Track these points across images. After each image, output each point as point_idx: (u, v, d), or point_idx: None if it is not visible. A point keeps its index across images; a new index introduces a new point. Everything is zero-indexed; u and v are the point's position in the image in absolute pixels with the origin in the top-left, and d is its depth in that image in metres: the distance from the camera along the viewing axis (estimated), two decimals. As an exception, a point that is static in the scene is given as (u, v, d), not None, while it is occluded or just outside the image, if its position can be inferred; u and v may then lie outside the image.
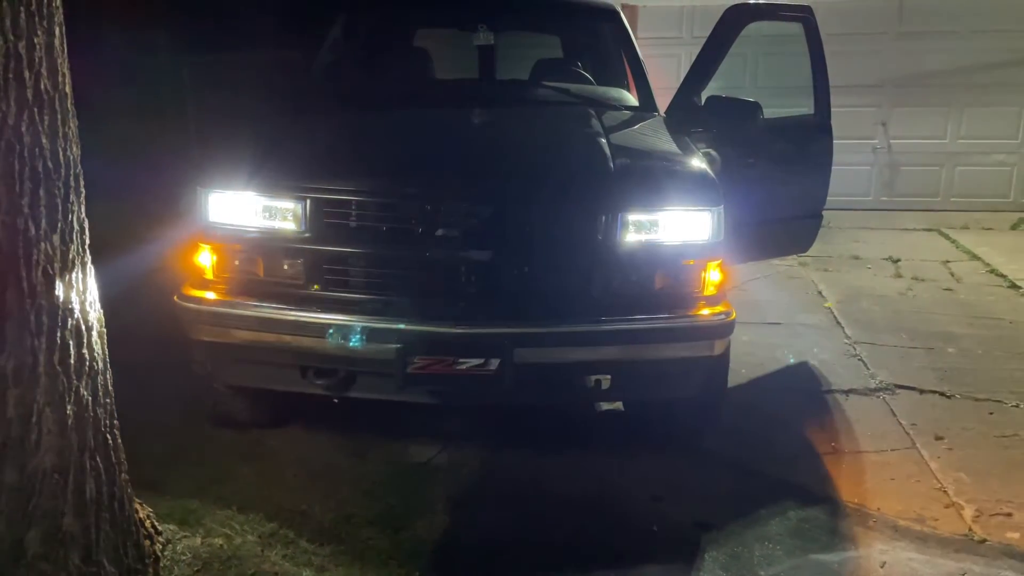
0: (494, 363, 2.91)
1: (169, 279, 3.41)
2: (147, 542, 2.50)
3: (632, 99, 4.30)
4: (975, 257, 6.80)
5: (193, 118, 7.72)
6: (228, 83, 7.01)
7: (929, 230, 7.75)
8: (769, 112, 4.13)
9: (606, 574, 2.75)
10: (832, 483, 3.32)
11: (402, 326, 2.94)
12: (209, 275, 3.13)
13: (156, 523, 2.67)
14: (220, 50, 7.49)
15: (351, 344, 2.99)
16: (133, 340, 3.93)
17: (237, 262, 3.10)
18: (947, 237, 7.48)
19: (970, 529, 3.02)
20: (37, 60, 1.88)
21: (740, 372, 4.29)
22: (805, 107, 4.32)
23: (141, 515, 2.57)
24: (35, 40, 1.87)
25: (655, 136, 3.75)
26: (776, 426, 3.79)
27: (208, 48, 7.54)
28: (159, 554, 2.56)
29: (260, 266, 3.07)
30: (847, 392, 4.18)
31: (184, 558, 2.64)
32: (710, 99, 3.96)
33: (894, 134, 8.31)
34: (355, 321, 2.96)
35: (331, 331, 2.98)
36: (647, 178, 3.18)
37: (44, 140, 1.93)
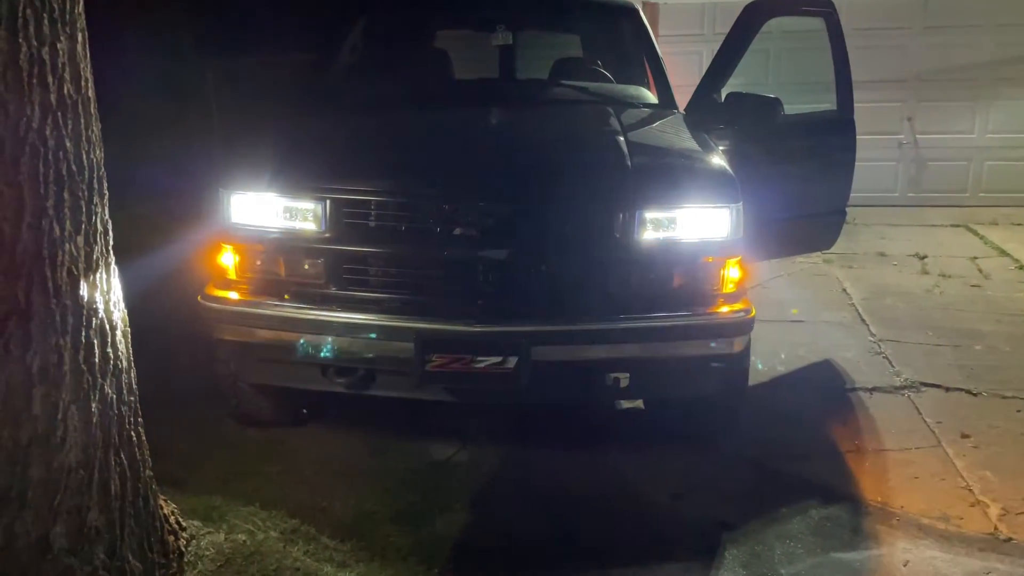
0: (512, 361, 2.92)
1: (194, 279, 3.46)
2: (171, 537, 2.54)
3: (651, 97, 4.29)
4: (1004, 253, 6.70)
5: (217, 120, 7.81)
6: (251, 85, 7.08)
7: (956, 226, 7.63)
8: (792, 109, 4.10)
9: (625, 572, 2.75)
10: (855, 481, 3.30)
11: (420, 325, 2.97)
12: (232, 275, 3.17)
13: (180, 519, 2.71)
14: (244, 53, 7.58)
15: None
16: (159, 339, 4.01)
17: (259, 262, 3.14)
18: (975, 233, 7.37)
19: (995, 528, 2.98)
20: (60, 65, 1.92)
21: (762, 370, 4.27)
22: (829, 103, 4.29)
23: (166, 511, 2.61)
24: (58, 46, 1.91)
25: (674, 133, 3.74)
26: (798, 424, 3.76)
27: (232, 51, 7.63)
28: (183, 549, 2.59)
29: (281, 266, 3.11)
30: (871, 390, 4.14)
31: (208, 553, 2.67)
32: (730, 96, 3.94)
33: (920, 129, 8.20)
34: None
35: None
36: (665, 175, 3.18)
37: (68, 144, 1.97)
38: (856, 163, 4.26)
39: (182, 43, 7.88)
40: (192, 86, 8.02)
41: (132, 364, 2.36)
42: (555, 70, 4.57)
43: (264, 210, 3.08)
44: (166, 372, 3.85)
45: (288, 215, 3.05)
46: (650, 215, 3.01)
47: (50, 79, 1.90)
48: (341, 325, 3.02)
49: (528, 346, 2.94)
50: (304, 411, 3.64)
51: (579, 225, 3.01)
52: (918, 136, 8.22)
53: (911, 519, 3.03)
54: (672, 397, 3.42)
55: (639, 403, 3.79)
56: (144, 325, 4.01)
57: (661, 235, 3.03)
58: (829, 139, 4.26)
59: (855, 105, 4.23)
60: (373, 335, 3.02)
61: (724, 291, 3.12)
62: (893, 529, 2.97)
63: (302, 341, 3.08)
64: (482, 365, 2.94)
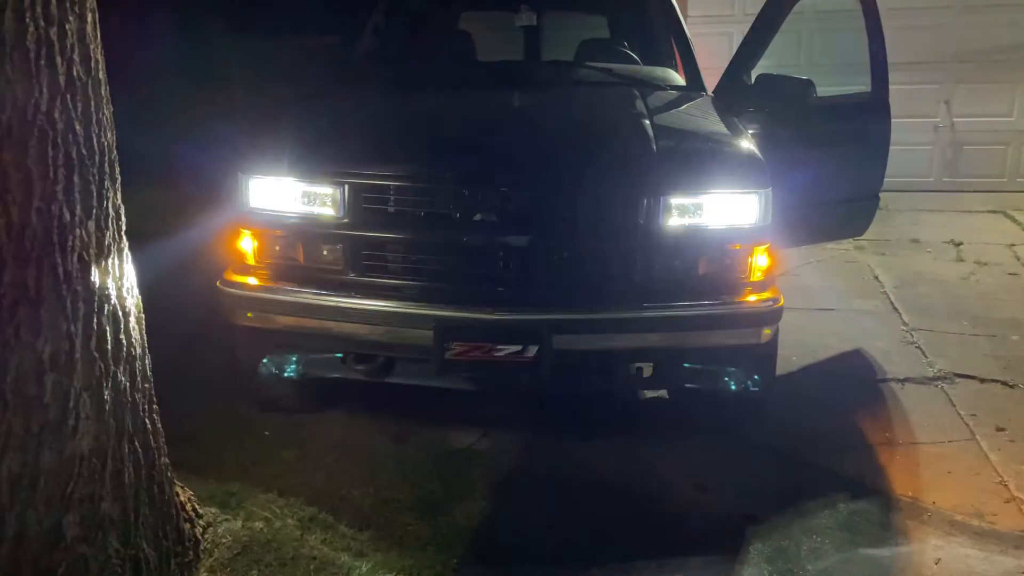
0: (532, 350, 2.87)
1: (218, 262, 3.44)
2: (188, 525, 2.53)
3: (679, 79, 4.19)
4: (1043, 240, 6.52)
5: (242, 103, 7.81)
6: (277, 68, 7.07)
7: (994, 212, 7.41)
8: (826, 91, 3.99)
9: (647, 564, 2.70)
10: (885, 475, 3.21)
11: (440, 312, 2.92)
12: (250, 261, 3.15)
13: (197, 506, 2.70)
14: (271, 35, 7.57)
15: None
16: (182, 322, 4.01)
17: (277, 248, 3.11)
18: (1013, 219, 7.15)
19: (1031, 525, 2.89)
20: (69, 46, 1.88)
21: (791, 359, 4.17)
22: (863, 85, 4.16)
23: (182, 498, 2.59)
24: (67, 26, 1.87)
25: (701, 116, 3.65)
26: (827, 415, 3.67)
27: (259, 33, 7.63)
28: (200, 537, 2.58)
29: (300, 252, 3.08)
30: (903, 381, 4.03)
31: (224, 541, 2.66)
32: (760, 77, 3.84)
33: (957, 112, 7.97)
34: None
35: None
36: (691, 160, 3.10)
37: (77, 127, 1.93)
38: (890, 147, 4.13)
39: (211, 24, 7.89)
40: (220, 68, 8.04)
41: (147, 351, 2.34)
42: (580, 51, 4.49)
43: (282, 195, 3.04)
44: (189, 357, 3.85)
45: (306, 200, 3.02)
46: (675, 201, 2.93)
47: (58, 60, 1.86)
48: (360, 312, 2.98)
49: (549, 334, 2.88)
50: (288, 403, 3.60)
51: (602, 211, 2.94)
52: (955, 119, 8.00)
53: (943, 515, 2.94)
54: (697, 387, 3.34)
55: (664, 392, 3.72)
56: (167, 309, 4.00)
57: (687, 221, 2.95)
58: (863, 122, 4.13)
59: (890, 87, 4.10)
60: (392, 323, 2.98)
61: (752, 279, 3.04)
62: (924, 525, 2.89)
63: (321, 328, 3.05)
64: (502, 353, 2.89)
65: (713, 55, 4.82)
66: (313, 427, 3.51)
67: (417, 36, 4.65)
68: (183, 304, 4.15)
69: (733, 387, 3.25)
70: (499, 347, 2.89)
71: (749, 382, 3.22)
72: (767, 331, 3.07)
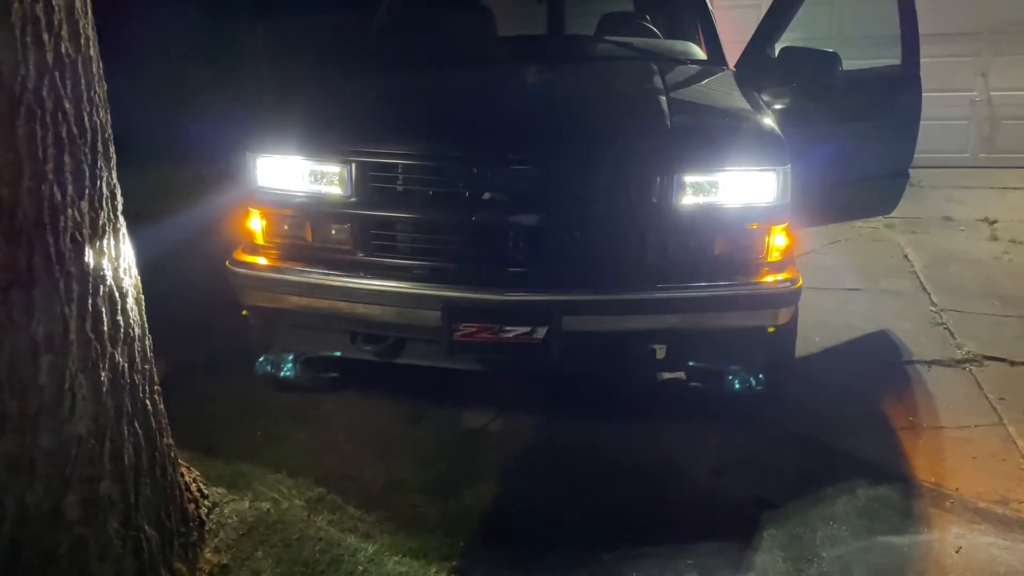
0: (541, 331, 2.82)
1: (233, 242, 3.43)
2: (192, 506, 2.52)
3: (700, 52, 4.09)
4: (1082, 218, 6.29)
5: (267, 82, 7.80)
6: (303, 47, 7.04)
7: (1031, 189, 7.21)
8: (860, 64, 3.85)
9: (658, 549, 2.65)
10: (907, 460, 3.12)
11: (448, 293, 2.88)
12: (259, 240, 3.12)
13: (203, 487, 2.69)
14: (291, 14, 7.53)
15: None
16: (200, 301, 4.00)
17: (286, 227, 3.08)
18: (1051, 197, 6.94)
19: (1059, 514, 2.79)
20: (56, 23, 1.84)
21: (814, 340, 4.08)
22: (897, 58, 4.01)
23: (187, 479, 2.59)
24: (54, 2, 1.83)
25: (720, 91, 3.55)
26: (849, 398, 3.57)
27: (279, 12, 7.60)
28: (204, 518, 2.58)
29: (308, 231, 3.05)
30: (929, 363, 3.91)
31: (230, 522, 2.65)
32: (784, 50, 3.71)
33: (995, 85, 7.71)
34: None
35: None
36: (706, 136, 3.01)
37: (67, 105, 1.90)
38: (924, 122, 3.99)
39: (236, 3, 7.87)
40: (245, 47, 8.03)
41: (147, 332, 2.32)
42: (601, 25, 4.39)
43: (290, 173, 3.01)
44: (201, 336, 3.85)
45: (314, 179, 2.98)
46: (690, 179, 2.85)
47: (45, 37, 1.82)
48: (368, 292, 2.95)
49: (558, 316, 2.83)
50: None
51: (614, 189, 2.86)
52: (992, 93, 7.74)
53: (967, 502, 2.86)
54: (711, 369, 3.26)
55: (681, 374, 3.65)
56: (185, 286, 4.00)
57: (701, 200, 2.87)
58: (892, 96, 3.99)
59: (922, 60, 3.95)
60: (400, 303, 2.94)
61: (769, 259, 2.96)
62: (946, 512, 2.81)
63: (329, 308, 3.02)
64: (510, 335, 2.84)
65: (740, 28, 4.69)
66: (326, 406, 3.50)
67: (434, 10, 4.57)
68: (205, 280, 4.14)
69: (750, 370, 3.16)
70: (507, 328, 2.84)
71: (767, 365, 3.13)
72: (785, 312, 3.00)
